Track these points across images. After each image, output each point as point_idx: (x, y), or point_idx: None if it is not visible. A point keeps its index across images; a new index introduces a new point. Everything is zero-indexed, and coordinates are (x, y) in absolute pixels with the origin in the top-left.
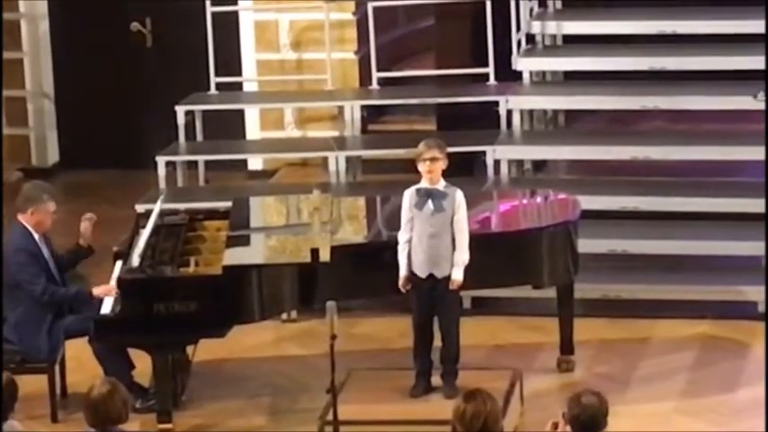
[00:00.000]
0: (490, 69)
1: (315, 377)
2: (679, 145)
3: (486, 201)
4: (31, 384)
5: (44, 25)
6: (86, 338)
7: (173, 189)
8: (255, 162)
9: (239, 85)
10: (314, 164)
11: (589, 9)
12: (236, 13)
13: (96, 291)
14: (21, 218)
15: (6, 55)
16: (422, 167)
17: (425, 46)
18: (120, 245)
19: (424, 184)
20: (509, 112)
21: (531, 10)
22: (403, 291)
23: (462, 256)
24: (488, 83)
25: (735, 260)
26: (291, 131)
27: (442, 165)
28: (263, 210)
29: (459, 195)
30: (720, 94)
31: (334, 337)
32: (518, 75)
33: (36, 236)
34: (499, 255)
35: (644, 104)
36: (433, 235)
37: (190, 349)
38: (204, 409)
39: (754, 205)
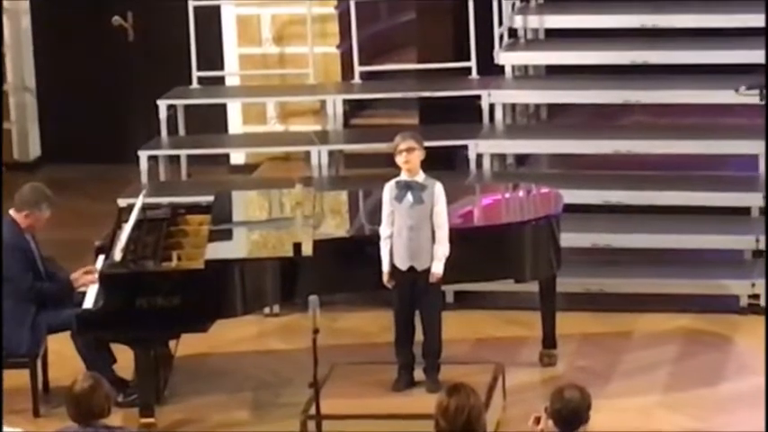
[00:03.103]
0: (472, 63)
1: (297, 371)
2: (661, 139)
3: (468, 195)
4: (13, 379)
5: (26, 20)
6: (68, 333)
7: (155, 183)
8: (238, 156)
9: (221, 80)
10: (296, 158)
11: (571, 3)
12: (218, 8)
13: (77, 284)
14: (14, 214)
15: None
16: (399, 159)
17: (407, 40)
18: (102, 239)
19: (403, 176)
20: (491, 107)
21: (513, 4)
22: (388, 286)
23: (442, 248)
24: (470, 77)
25: (717, 254)
26: (274, 126)
27: (419, 155)
28: (246, 204)
29: (438, 188)
30: (702, 88)
31: (316, 332)
32: (500, 69)
33: (26, 234)
34: (482, 249)
35: (626, 98)
36: (413, 227)
37: (172, 344)
38: (186, 403)
39: (737, 199)
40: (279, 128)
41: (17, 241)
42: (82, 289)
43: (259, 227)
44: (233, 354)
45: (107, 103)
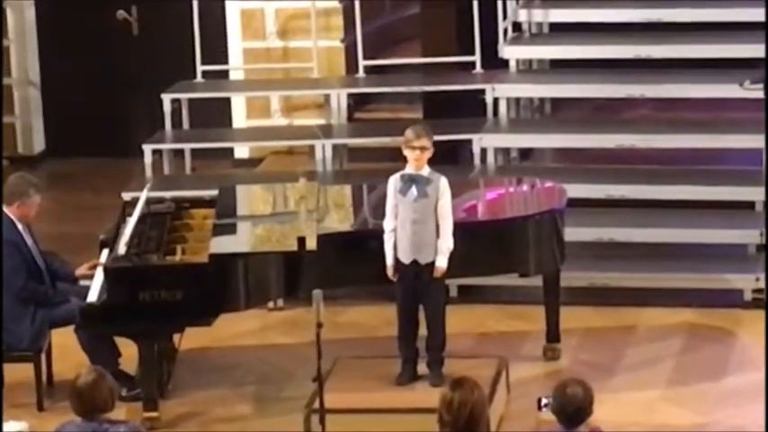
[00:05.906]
0: (476, 57)
1: (301, 365)
2: (665, 133)
3: (472, 189)
4: (17, 373)
5: (30, 13)
6: (72, 327)
7: (159, 177)
8: (242, 150)
9: (225, 74)
10: (300, 152)
11: None
12: (222, 2)
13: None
14: (6, 209)
15: None
16: (409, 154)
17: (412, 34)
18: (107, 233)
19: (408, 170)
20: (495, 101)
21: None
22: (392, 279)
23: (446, 243)
24: (475, 71)
25: (720, 248)
26: (278, 120)
27: (430, 153)
28: (250, 198)
29: (443, 182)
30: (706, 82)
31: (320, 326)
32: (504, 63)
33: (20, 225)
34: (485, 243)
35: (630, 93)
36: (416, 221)
37: (176, 338)
38: (190, 397)
39: (740, 193)
40: (283, 122)
41: (10, 237)
42: (86, 282)
43: (263, 221)
44: (236, 348)
45: (111, 97)
